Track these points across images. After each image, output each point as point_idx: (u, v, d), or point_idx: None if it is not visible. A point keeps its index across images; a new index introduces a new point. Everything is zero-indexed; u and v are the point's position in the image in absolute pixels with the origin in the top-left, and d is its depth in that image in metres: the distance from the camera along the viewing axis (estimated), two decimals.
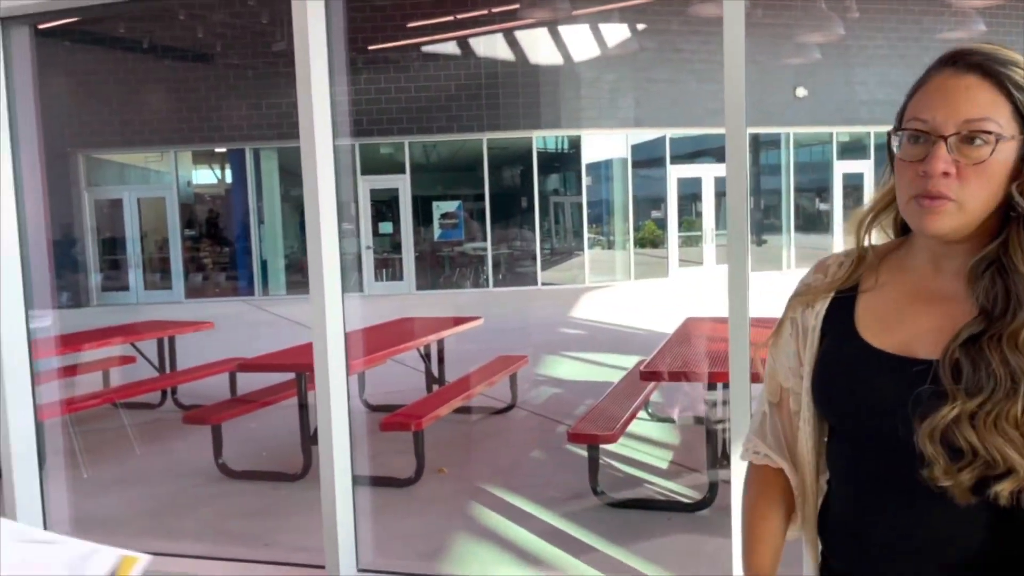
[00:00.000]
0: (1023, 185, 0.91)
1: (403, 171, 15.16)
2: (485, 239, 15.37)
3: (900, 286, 1.02)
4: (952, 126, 0.90)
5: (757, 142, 16.11)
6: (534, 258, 15.36)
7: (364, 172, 15.11)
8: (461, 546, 3.54)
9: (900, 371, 0.95)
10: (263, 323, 11.75)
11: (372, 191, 15.29)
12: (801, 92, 15.40)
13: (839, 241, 16.59)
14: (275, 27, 13.36)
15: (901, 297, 1.02)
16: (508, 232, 15.62)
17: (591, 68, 14.88)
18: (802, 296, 1.10)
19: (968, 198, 0.91)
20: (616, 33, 14.73)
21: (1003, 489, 0.86)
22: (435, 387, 6.05)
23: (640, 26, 14.89)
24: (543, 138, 15.50)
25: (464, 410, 5.50)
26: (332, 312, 2.71)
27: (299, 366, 4.45)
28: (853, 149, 16.74)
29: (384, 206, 15.47)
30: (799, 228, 16.68)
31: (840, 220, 16.65)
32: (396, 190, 15.26)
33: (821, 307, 1.07)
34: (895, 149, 0.96)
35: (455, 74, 14.53)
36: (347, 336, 2.86)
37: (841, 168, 16.64)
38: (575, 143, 15.54)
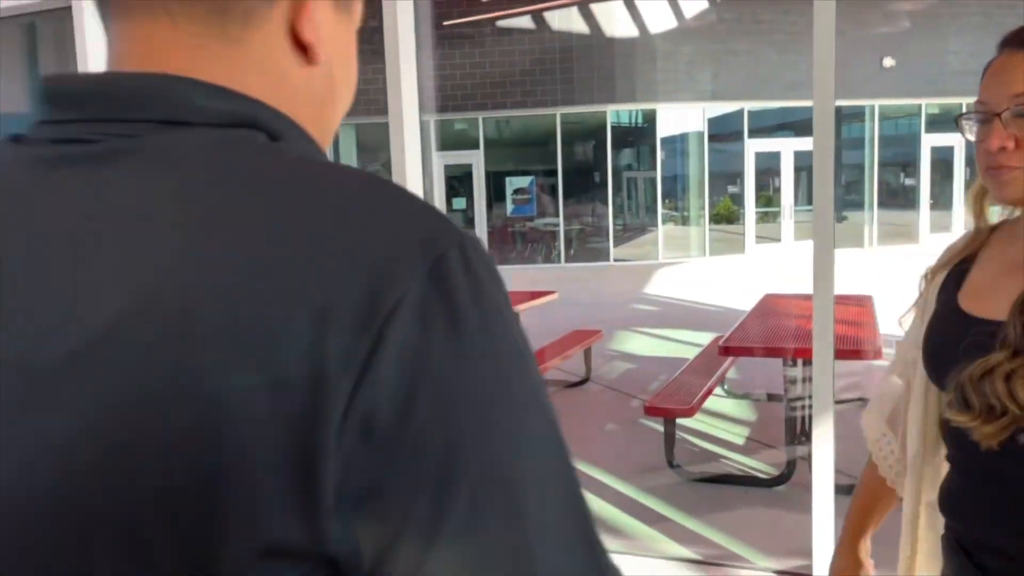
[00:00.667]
0: None
1: (477, 147, 15.27)
2: (557, 215, 15.39)
3: (1003, 256, 1.07)
4: (1004, 103, 0.97)
5: (839, 115, 15.58)
6: (607, 234, 15.29)
7: (440, 148, 15.28)
8: None
9: (978, 333, 1.00)
10: None
11: (446, 167, 15.48)
12: (888, 62, 14.80)
13: (925, 217, 15.99)
14: None
15: (1001, 266, 1.06)
16: (580, 208, 15.58)
17: (668, 40, 14.63)
18: (929, 273, 1.18)
19: None
20: (694, 4, 14.43)
21: None
22: None
23: None
24: (617, 112, 15.35)
25: None
26: None
27: None
28: (943, 122, 16.02)
29: (457, 182, 15.63)
30: (882, 204, 16.12)
31: (927, 195, 16.02)
32: (470, 166, 15.40)
33: (939, 280, 1.14)
34: (968, 134, 1.04)
35: (529, 48, 14.50)
36: None
37: (929, 141, 15.97)
38: (650, 117, 15.35)
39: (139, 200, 0.42)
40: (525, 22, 14.49)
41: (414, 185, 2.81)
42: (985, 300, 1.04)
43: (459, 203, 15.71)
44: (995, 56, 1.03)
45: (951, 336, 1.05)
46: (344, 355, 0.38)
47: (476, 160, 15.33)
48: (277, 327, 0.38)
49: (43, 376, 0.39)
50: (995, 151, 0.96)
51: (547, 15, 14.43)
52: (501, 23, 14.45)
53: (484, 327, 0.42)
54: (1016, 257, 1.03)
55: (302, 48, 0.50)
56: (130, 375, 0.38)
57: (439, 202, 15.39)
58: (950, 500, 1.08)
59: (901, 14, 12.76)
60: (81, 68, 3.01)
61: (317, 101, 0.53)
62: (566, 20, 14.40)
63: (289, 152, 0.47)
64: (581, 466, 4.14)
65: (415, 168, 2.81)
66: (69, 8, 3.02)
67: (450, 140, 15.50)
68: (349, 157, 15.88)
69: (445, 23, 14.36)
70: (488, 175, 15.40)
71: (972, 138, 1.03)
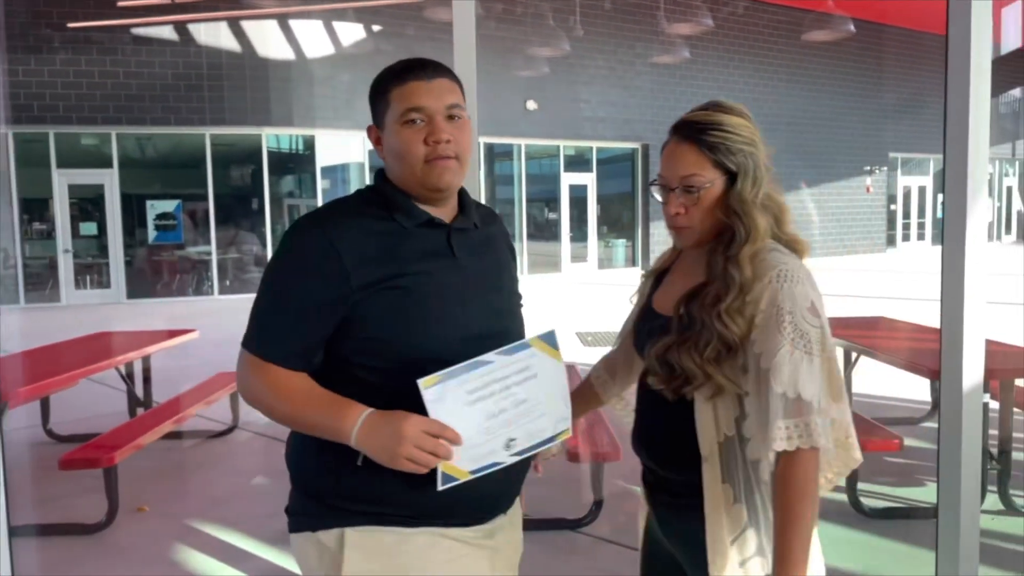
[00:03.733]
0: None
1: (110, 165, 13.53)
2: (209, 243, 14.20)
3: (685, 271, 1.47)
4: (675, 181, 1.34)
5: (492, 152, 16.58)
6: (264, 263, 14.45)
7: (60, 165, 13.28)
8: None
9: (658, 324, 1.43)
10: None
11: (72, 187, 13.47)
12: (532, 105, 16.09)
13: (566, 248, 17.62)
14: None
15: (683, 278, 1.46)
16: (236, 235, 14.57)
17: (325, 66, 14.36)
18: (644, 276, 1.60)
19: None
20: (351, 32, 14.36)
21: (690, 391, 1.32)
22: (140, 411, 5.31)
23: (376, 27, 14.66)
24: (277, 137, 14.68)
25: (175, 435, 4.87)
26: None
27: None
28: (578, 162, 17.85)
29: (89, 204, 13.69)
30: (531, 236, 17.43)
31: (567, 229, 17.67)
32: (102, 186, 13.58)
33: (649, 281, 1.59)
34: (657, 195, 1.39)
35: (172, 61, 13.25)
36: (7, 356, 2.29)
37: (567, 180, 17.67)
38: (310, 143, 14.90)
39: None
40: (167, 32, 13.24)
41: None
42: (666, 301, 1.42)
43: (89, 228, 13.71)
44: (667, 139, 1.35)
45: (644, 324, 1.47)
46: None
47: (110, 180, 13.56)
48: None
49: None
50: (673, 215, 1.34)
51: (192, 27, 13.33)
52: (138, 31, 13.04)
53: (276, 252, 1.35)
54: (691, 274, 1.39)
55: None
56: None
57: (62, 224, 13.37)
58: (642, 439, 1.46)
59: (541, 60, 13.89)
60: None
61: (392, 167, 1.41)
62: (214, 35, 13.42)
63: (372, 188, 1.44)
64: (220, 533, 3.60)
65: None
66: None
67: (76, 157, 13.55)
68: None
69: (70, 25, 12.60)
70: (126, 198, 13.70)
71: (660, 199, 1.37)
